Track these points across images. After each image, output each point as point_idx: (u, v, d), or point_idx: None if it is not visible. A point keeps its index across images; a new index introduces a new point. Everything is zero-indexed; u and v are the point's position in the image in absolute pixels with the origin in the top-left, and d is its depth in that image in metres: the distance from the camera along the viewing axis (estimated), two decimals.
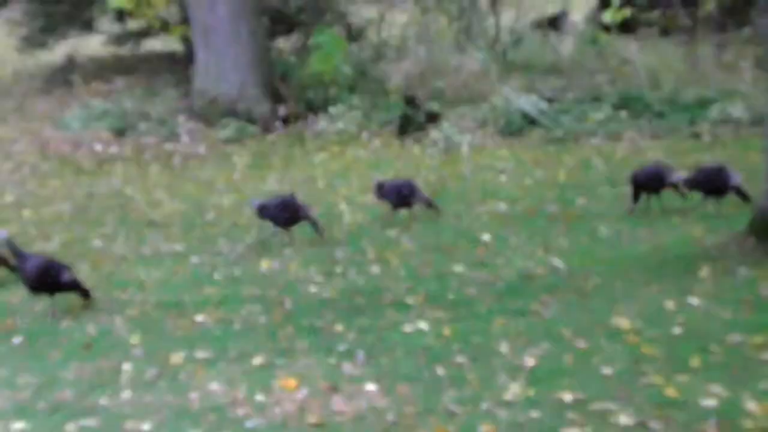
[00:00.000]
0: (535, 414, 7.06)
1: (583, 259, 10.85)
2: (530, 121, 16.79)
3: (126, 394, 7.91)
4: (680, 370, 7.68)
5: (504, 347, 8.38)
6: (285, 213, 12.03)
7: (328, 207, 13.53)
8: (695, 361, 7.82)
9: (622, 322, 8.73)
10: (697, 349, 8.03)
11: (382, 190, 12.80)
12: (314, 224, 12.22)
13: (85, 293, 10.27)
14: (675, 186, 12.18)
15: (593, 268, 10.47)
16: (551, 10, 24.61)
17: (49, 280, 9.94)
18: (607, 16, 20.15)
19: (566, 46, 20.53)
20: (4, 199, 15.34)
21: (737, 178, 11.97)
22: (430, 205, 12.88)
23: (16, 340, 9.50)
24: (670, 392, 7.28)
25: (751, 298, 9.13)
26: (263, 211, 12.16)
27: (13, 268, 10.99)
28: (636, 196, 12.28)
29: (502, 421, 6.99)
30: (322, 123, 18.16)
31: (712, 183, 11.99)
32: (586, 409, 7.09)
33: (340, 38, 19.69)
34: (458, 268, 10.83)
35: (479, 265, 10.90)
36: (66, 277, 10.04)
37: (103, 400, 7.81)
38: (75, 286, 10.16)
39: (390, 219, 12.87)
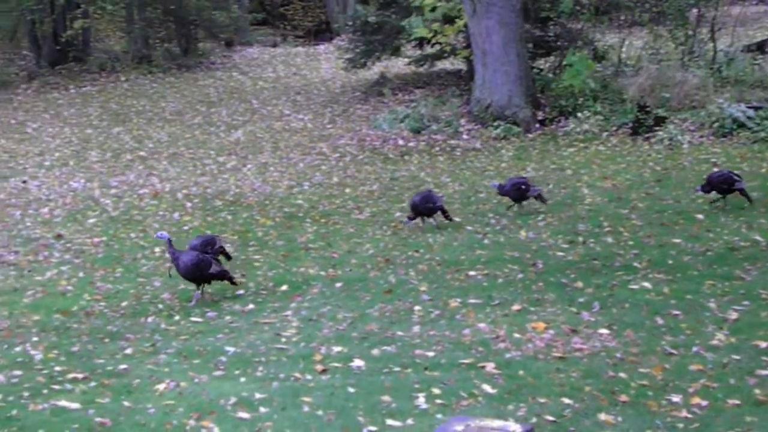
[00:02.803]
0: (736, 357, 6.87)
1: None
2: (739, 125, 16.08)
3: (416, 329, 8.06)
4: None
5: (712, 303, 8.17)
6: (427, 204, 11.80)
7: (574, 190, 13.32)
8: None
9: None
10: None
11: (503, 189, 12.38)
12: (445, 213, 11.94)
13: (231, 281, 9.63)
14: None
15: None
16: (760, 36, 23.50)
17: (199, 273, 9.32)
18: None
19: None
20: (332, 179, 15.75)
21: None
22: (540, 197, 12.42)
23: (338, 284, 9.80)
24: None
25: None
26: (414, 208, 11.85)
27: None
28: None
29: (709, 362, 6.81)
30: (571, 125, 17.87)
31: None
32: None
33: (588, 59, 19.28)
34: (676, 240, 10.53)
35: (693, 238, 10.56)
36: (214, 269, 9.38)
37: (399, 332, 7.99)
38: (222, 277, 9.54)
39: (511, 213, 12.55)
